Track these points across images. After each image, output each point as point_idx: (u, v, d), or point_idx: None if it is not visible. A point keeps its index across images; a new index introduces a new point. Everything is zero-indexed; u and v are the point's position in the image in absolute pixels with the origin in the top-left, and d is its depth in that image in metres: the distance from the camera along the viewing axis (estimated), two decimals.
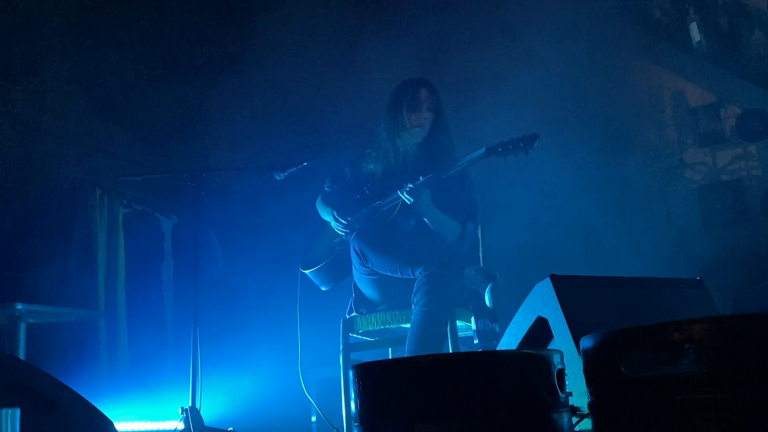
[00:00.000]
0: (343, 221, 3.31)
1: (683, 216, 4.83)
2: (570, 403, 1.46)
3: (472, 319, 2.93)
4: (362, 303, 3.26)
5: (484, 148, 3.02)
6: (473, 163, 3.07)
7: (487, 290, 2.89)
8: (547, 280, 2.04)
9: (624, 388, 1.31)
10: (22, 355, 3.69)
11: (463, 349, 3.02)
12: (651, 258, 4.41)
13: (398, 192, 3.13)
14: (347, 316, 3.24)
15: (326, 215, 3.45)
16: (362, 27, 4.73)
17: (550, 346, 1.99)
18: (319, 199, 3.53)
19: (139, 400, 4.06)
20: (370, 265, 3.11)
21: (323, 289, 3.47)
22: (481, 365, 1.35)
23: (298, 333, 3.38)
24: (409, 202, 3.10)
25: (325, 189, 3.55)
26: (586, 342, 1.42)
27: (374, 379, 1.42)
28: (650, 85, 4.96)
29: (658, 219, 4.77)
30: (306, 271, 3.40)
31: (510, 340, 2.16)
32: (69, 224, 4.43)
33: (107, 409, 2.39)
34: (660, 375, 1.26)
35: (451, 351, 2.92)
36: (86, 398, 2.31)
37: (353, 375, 1.45)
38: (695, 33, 4.48)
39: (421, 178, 3.10)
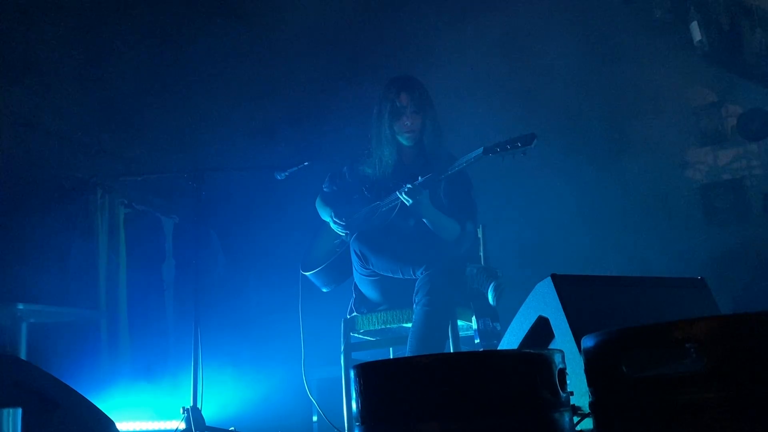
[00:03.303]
0: (340, 222, 3.30)
1: (684, 215, 4.83)
2: (571, 402, 1.46)
3: (473, 318, 2.93)
4: (363, 304, 3.26)
5: (481, 148, 3.01)
6: (471, 164, 3.06)
7: (490, 288, 2.89)
8: (548, 279, 2.03)
9: (625, 387, 1.31)
10: (23, 355, 3.69)
11: (464, 348, 3.02)
12: (652, 257, 4.41)
13: (397, 193, 3.13)
14: (348, 317, 3.24)
15: (325, 215, 3.45)
16: (362, 25, 4.72)
17: (552, 346, 1.99)
18: (318, 199, 3.53)
19: (140, 399, 4.07)
20: (370, 267, 3.11)
21: (324, 290, 3.47)
22: (483, 365, 1.35)
23: (301, 333, 3.38)
24: (407, 203, 3.09)
25: (324, 189, 3.55)
26: (588, 341, 1.42)
27: (375, 379, 1.42)
28: (651, 84, 4.96)
29: (660, 218, 4.77)
30: (307, 273, 3.40)
31: (511, 339, 2.15)
32: (70, 224, 4.43)
33: (108, 409, 2.40)
34: (661, 374, 1.26)
35: (452, 350, 2.92)
36: (87, 398, 2.31)
37: (354, 374, 1.45)
38: (696, 32, 4.47)
39: (420, 178, 3.10)
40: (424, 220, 3.18)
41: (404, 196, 3.08)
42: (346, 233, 3.30)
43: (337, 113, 4.70)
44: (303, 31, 4.72)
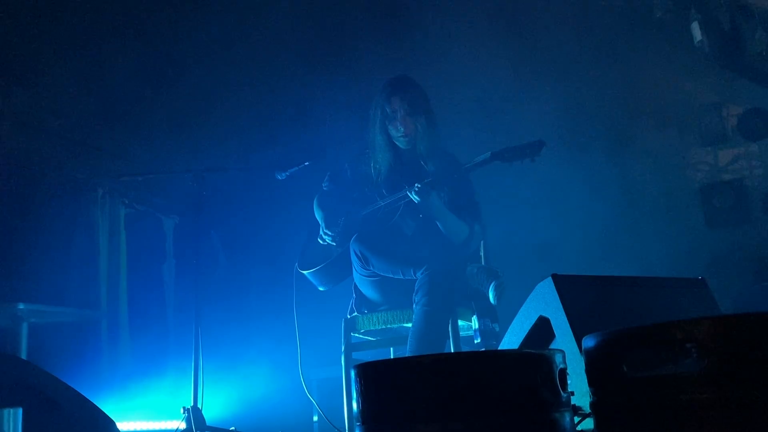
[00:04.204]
0: (329, 233, 3.28)
1: (685, 215, 4.82)
2: (572, 402, 1.46)
3: (473, 318, 2.92)
4: (363, 304, 3.25)
5: (489, 153, 2.99)
6: (478, 167, 3.05)
7: (491, 288, 2.88)
8: (549, 279, 2.04)
9: (626, 387, 1.31)
10: (24, 355, 3.69)
11: (464, 348, 3.02)
12: (653, 257, 4.41)
13: (406, 191, 3.11)
14: (348, 317, 3.24)
15: (319, 219, 3.43)
16: (365, 25, 4.72)
17: (552, 346, 1.99)
18: (316, 199, 3.51)
19: (141, 399, 4.07)
20: (371, 268, 3.10)
21: (321, 289, 3.46)
22: (483, 365, 1.35)
23: (296, 332, 3.37)
24: (416, 201, 3.07)
25: (323, 187, 3.54)
26: (588, 341, 1.42)
27: (376, 379, 1.42)
28: (652, 84, 4.95)
29: (660, 218, 4.76)
30: (304, 272, 3.39)
31: (512, 339, 2.16)
32: (71, 224, 4.43)
33: (109, 409, 2.40)
34: (662, 374, 1.26)
35: (452, 350, 2.91)
36: (88, 398, 2.31)
37: (355, 375, 1.45)
38: (697, 32, 4.47)
39: (426, 179, 3.08)
40: (438, 223, 3.15)
41: (414, 194, 3.06)
42: (332, 245, 3.29)
43: (339, 112, 4.70)
44: (304, 30, 4.72)
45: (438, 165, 3.23)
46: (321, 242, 3.35)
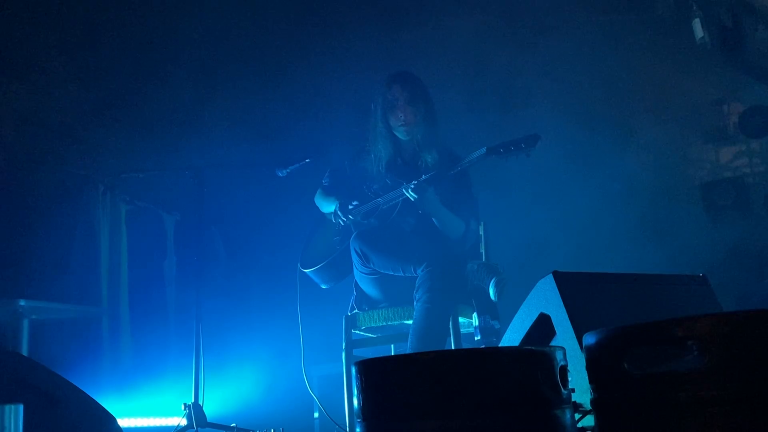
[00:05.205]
0: (345, 215, 3.28)
1: (686, 212, 4.82)
2: (572, 399, 1.46)
3: (474, 315, 2.93)
4: (364, 301, 3.26)
5: (485, 148, 3.00)
6: (474, 163, 3.06)
7: (491, 284, 2.88)
8: (550, 276, 2.03)
9: (627, 384, 1.31)
10: (24, 352, 3.69)
11: (464, 345, 3.02)
12: (654, 254, 4.41)
13: (402, 189, 3.12)
14: (349, 314, 3.24)
15: (327, 207, 3.43)
16: (365, 22, 4.72)
17: (553, 343, 1.99)
18: (318, 193, 3.51)
19: (141, 396, 4.07)
20: (371, 265, 3.10)
21: (323, 287, 3.46)
22: (484, 362, 1.35)
23: (300, 330, 3.38)
24: (413, 199, 3.08)
25: (324, 183, 3.54)
26: (589, 338, 1.42)
27: (376, 376, 1.42)
28: (653, 81, 4.95)
29: (661, 215, 4.76)
30: (306, 271, 3.39)
31: (512, 336, 2.16)
32: (72, 221, 4.43)
33: (110, 405, 2.40)
34: (663, 372, 1.26)
35: (453, 347, 2.92)
36: (89, 394, 2.31)
37: (356, 371, 1.45)
38: (698, 29, 4.46)
39: (423, 176, 3.09)
40: (434, 219, 3.16)
41: (410, 192, 3.07)
42: (345, 222, 3.27)
43: (339, 110, 4.69)
44: (305, 27, 4.71)
45: (437, 159, 3.23)
46: (341, 222, 3.33)
